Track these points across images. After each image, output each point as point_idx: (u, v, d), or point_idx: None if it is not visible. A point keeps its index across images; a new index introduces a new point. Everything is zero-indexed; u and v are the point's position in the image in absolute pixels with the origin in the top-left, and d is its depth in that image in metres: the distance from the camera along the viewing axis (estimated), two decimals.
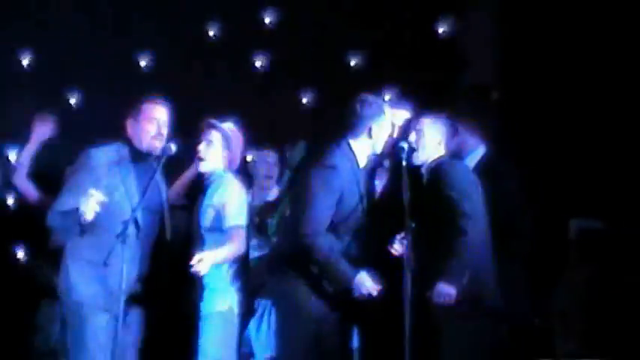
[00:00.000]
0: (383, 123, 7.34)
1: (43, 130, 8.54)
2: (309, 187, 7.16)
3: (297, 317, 7.19)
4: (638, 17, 8.61)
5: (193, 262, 6.97)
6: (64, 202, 7.08)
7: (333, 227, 7.16)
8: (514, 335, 6.92)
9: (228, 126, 7.51)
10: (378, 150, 7.41)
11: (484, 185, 7.28)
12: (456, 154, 7.53)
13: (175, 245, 7.52)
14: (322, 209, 7.09)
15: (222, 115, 7.68)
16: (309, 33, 9.67)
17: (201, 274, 7.05)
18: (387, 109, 7.38)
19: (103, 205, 6.82)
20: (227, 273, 7.39)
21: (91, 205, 6.78)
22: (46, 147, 8.68)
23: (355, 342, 7.78)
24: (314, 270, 7.16)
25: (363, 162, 7.32)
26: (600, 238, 6.86)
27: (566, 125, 8.56)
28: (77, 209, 6.82)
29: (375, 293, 7.03)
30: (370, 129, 7.26)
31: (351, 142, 7.26)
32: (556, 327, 3.80)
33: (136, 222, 7.16)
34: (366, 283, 7.00)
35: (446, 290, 6.85)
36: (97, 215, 6.84)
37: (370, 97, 7.38)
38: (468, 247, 6.95)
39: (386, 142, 7.45)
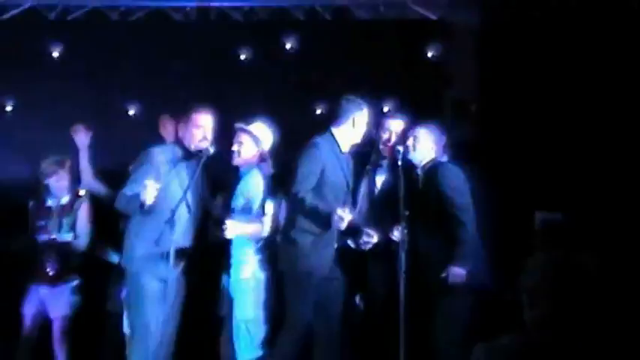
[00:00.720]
0: (362, 115, 7.43)
1: (81, 137, 8.57)
2: (298, 160, 7.32)
3: (300, 275, 7.24)
4: (593, 42, 8.64)
5: (224, 226, 7.16)
6: (130, 190, 7.25)
7: (323, 198, 7.27)
8: (489, 305, 7.01)
9: (258, 126, 7.60)
10: (359, 139, 7.50)
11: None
12: None
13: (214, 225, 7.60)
14: (306, 174, 7.25)
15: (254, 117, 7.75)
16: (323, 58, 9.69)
17: (227, 236, 7.21)
18: (365, 106, 7.47)
19: (159, 190, 7.01)
20: (251, 248, 7.44)
21: (150, 193, 6.94)
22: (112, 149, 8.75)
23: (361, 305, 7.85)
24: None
25: (345, 147, 7.45)
26: (558, 227, 6.95)
27: (533, 136, 8.61)
28: (139, 196, 7.03)
29: (349, 218, 7.07)
30: (353, 120, 7.39)
31: (335, 130, 7.40)
32: (523, 299, 3.88)
33: (188, 207, 7.37)
34: (342, 214, 7.02)
35: (459, 272, 7.01)
36: (156, 201, 7.01)
37: (353, 96, 7.51)
38: (468, 235, 7.10)
39: (386, 147, 7.55)
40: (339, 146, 7.40)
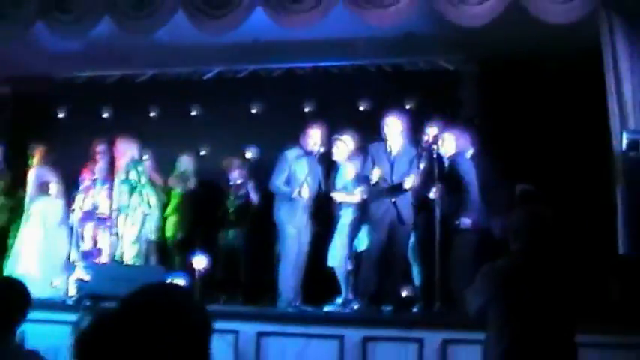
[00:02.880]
0: (392, 125, 7.46)
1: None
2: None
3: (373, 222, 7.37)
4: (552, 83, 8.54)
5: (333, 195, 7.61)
6: (276, 178, 7.64)
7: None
8: (487, 242, 7.02)
9: (347, 137, 7.71)
10: (397, 139, 7.52)
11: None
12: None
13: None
14: (367, 164, 7.45)
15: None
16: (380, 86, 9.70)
17: (336, 202, 7.63)
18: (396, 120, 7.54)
19: (308, 193, 7.49)
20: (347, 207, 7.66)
21: (304, 192, 7.41)
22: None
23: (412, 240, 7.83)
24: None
25: (391, 141, 7.52)
26: (531, 194, 6.91)
27: (516, 139, 8.55)
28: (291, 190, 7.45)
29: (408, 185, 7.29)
30: (386, 129, 7.54)
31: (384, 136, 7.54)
32: (509, 237, 3.92)
33: (308, 185, 7.61)
34: (406, 184, 7.31)
35: (467, 221, 7.12)
36: (291, 185, 7.46)
37: (388, 117, 7.55)
38: (472, 199, 7.15)
39: (426, 145, 7.55)
40: (386, 143, 7.47)
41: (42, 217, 8.31)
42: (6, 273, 7.73)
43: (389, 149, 7.48)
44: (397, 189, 7.36)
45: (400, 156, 7.48)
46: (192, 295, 2.01)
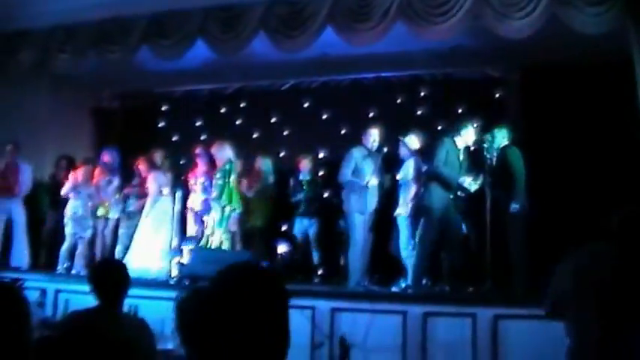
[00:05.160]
0: (468, 131, 7.36)
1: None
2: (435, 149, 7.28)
3: (430, 212, 7.18)
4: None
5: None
6: (345, 171, 7.64)
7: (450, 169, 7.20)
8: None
9: (411, 137, 7.68)
10: (470, 142, 7.36)
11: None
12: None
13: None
14: (439, 156, 7.14)
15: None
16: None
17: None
18: (471, 125, 7.40)
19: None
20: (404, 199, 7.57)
21: (372, 182, 7.37)
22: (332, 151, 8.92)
23: (464, 229, 7.73)
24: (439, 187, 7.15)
25: (461, 145, 7.34)
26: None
27: (553, 133, 8.41)
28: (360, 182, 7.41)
29: (473, 187, 7.22)
30: (461, 133, 7.35)
31: (455, 139, 7.36)
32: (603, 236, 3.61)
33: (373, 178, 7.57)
34: (465, 179, 7.20)
35: (516, 207, 6.91)
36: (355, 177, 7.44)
37: (465, 123, 7.43)
38: (520, 186, 6.98)
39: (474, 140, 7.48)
40: (455, 142, 7.31)
41: (156, 213, 8.62)
42: (121, 259, 7.96)
43: (443, 147, 7.38)
44: (455, 188, 7.30)
45: (451, 153, 7.36)
46: (273, 272, 2.01)
